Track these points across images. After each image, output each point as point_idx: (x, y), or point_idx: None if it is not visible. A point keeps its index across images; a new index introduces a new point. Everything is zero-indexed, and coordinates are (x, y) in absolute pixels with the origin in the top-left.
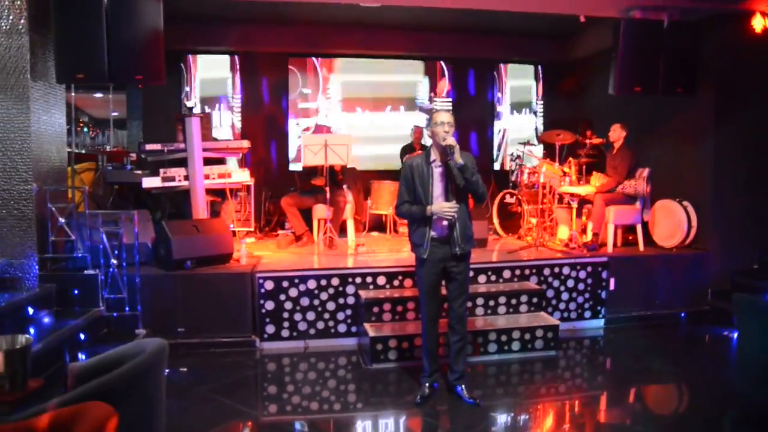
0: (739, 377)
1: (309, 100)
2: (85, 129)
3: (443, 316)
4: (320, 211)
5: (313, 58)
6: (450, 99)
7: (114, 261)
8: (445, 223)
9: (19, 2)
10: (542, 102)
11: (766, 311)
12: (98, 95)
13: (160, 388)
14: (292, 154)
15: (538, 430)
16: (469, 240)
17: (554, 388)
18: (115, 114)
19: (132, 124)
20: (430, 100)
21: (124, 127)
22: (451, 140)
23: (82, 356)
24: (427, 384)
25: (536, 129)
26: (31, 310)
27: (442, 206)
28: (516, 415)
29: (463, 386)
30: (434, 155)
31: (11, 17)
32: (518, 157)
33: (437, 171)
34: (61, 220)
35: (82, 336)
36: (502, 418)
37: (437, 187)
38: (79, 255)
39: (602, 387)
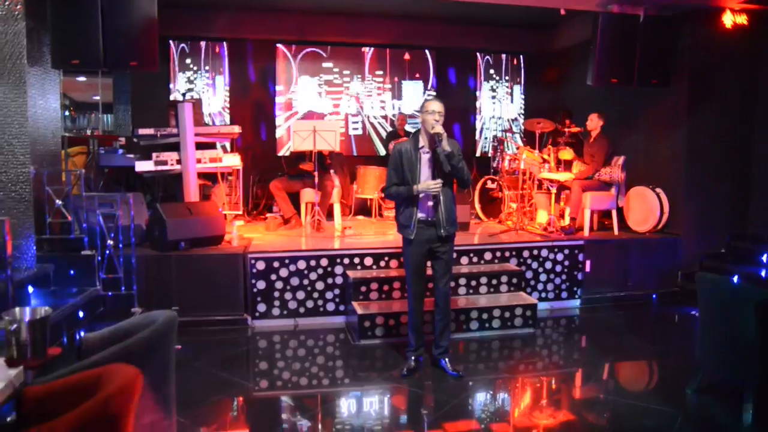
0: (700, 350)
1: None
2: (66, 112)
3: (428, 295)
4: (308, 194)
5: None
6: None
7: (110, 242)
8: (430, 203)
9: None
10: (523, 91)
11: (725, 289)
12: (81, 79)
13: (171, 354)
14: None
15: (516, 400)
16: (453, 223)
17: (532, 362)
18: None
19: (118, 108)
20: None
21: (108, 111)
22: (439, 128)
23: (81, 333)
24: (412, 358)
25: (517, 117)
26: (31, 289)
27: (427, 183)
28: (496, 386)
29: (446, 359)
30: (423, 141)
31: (7, 3)
32: (500, 142)
33: (425, 157)
34: (58, 202)
35: (80, 314)
36: (482, 390)
37: (424, 172)
38: (76, 236)
39: (577, 361)
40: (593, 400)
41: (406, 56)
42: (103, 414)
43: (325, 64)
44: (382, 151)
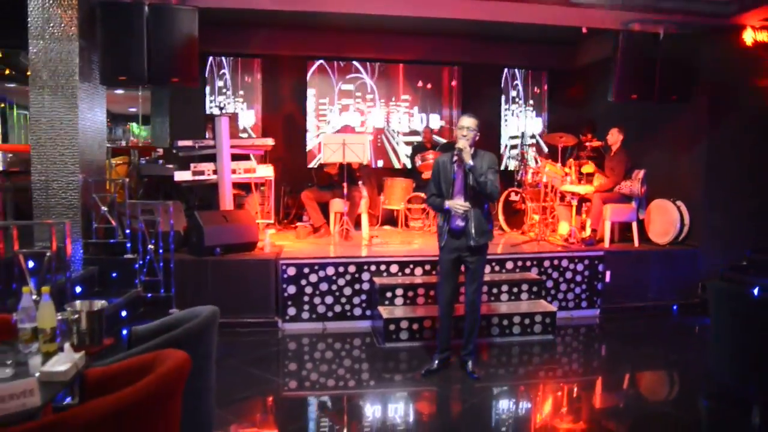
0: (712, 359)
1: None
2: None
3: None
4: (337, 204)
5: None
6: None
7: (151, 247)
8: (461, 216)
9: (70, 12)
10: (546, 106)
11: (736, 299)
12: (119, 92)
13: (213, 345)
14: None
15: (533, 403)
16: (484, 234)
17: (550, 368)
18: (133, 110)
19: (156, 120)
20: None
21: (145, 123)
22: (460, 144)
23: (123, 331)
24: (436, 360)
25: (541, 131)
26: (78, 289)
27: (455, 203)
28: (513, 389)
29: (470, 362)
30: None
31: (63, 25)
32: (523, 158)
33: (458, 168)
34: (104, 208)
35: (123, 313)
36: (500, 392)
37: (457, 184)
38: (119, 241)
39: (594, 367)
40: (610, 405)
41: (436, 71)
42: (156, 391)
43: (353, 77)
44: (396, 164)
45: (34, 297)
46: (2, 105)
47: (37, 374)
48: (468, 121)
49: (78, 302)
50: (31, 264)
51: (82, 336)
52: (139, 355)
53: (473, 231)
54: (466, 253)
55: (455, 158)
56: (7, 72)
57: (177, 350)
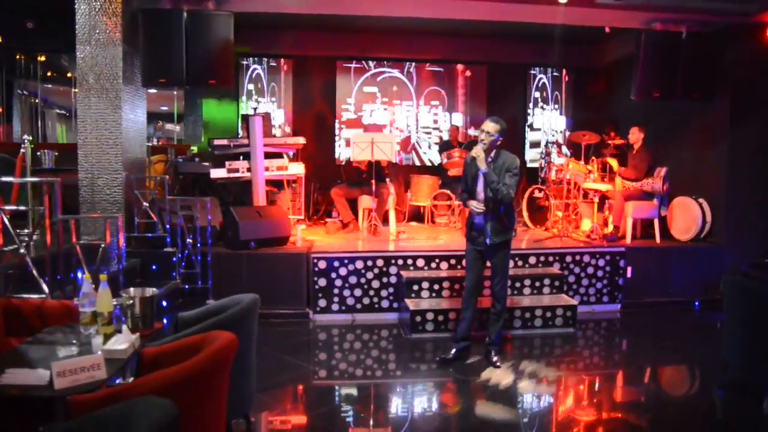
0: (726, 350)
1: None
2: None
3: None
4: (366, 201)
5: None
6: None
7: (189, 241)
8: (479, 217)
9: (114, 19)
10: (571, 104)
11: (750, 292)
12: (152, 91)
13: (254, 329)
14: (337, 150)
15: (555, 393)
16: (499, 234)
17: (571, 359)
18: (164, 108)
19: (188, 119)
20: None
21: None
22: (474, 151)
23: (164, 320)
24: (453, 349)
25: (564, 129)
26: (122, 280)
27: (472, 203)
28: (536, 380)
29: (492, 351)
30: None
31: (108, 31)
32: (548, 154)
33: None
34: (145, 204)
35: (164, 303)
36: (522, 382)
37: (479, 183)
38: (159, 235)
39: (615, 359)
40: (628, 394)
41: (461, 70)
42: (209, 365)
43: (380, 79)
44: (425, 162)
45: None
46: (38, 102)
47: (100, 352)
48: (489, 126)
49: (132, 289)
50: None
51: (135, 320)
52: (188, 337)
53: (489, 230)
54: (485, 249)
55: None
56: (48, 74)
57: (224, 332)
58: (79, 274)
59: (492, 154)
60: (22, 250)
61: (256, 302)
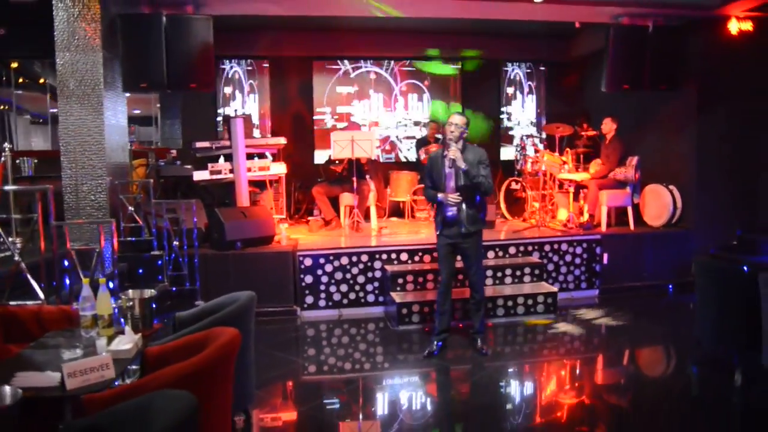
0: (698, 329)
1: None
2: None
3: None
4: (347, 198)
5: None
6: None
7: (176, 243)
8: (453, 207)
9: (93, 25)
10: (544, 97)
11: (718, 272)
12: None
13: (252, 325)
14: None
15: (538, 377)
16: (476, 221)
17: (552, 342)
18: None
19: (165, 122)
20: None
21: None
22: (452, 153)
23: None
24: (434, 342)
25: (538, 122)
26: (111, 284)
27: (447, 196)
28: (520, 365)
29: (478, 339)
30: (447, 150)
31: (87, 37)
32: (522, 147)
33: (447, 163)
34: (130, 208)
35: (153, 305)
36: (507, 368)
37: (449, 178)
38: (146, 239)
39: (596, 342)
40: (608, 375)
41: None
42: (217, 358)
43: (357, 76)
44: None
45: None
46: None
47: (105, 353)
48: (457, 119)
49: (130, 291)
50: (66, 262)
51: (135, 321)
52: (190, 335)
53: (465, 220)
54: (460, 239)
55: (446, 153)
56: (21, 80)
57: (228, 328)
58: (67, 280)
59: (460, 146)
60: (16, 257)
61: (252, 299)
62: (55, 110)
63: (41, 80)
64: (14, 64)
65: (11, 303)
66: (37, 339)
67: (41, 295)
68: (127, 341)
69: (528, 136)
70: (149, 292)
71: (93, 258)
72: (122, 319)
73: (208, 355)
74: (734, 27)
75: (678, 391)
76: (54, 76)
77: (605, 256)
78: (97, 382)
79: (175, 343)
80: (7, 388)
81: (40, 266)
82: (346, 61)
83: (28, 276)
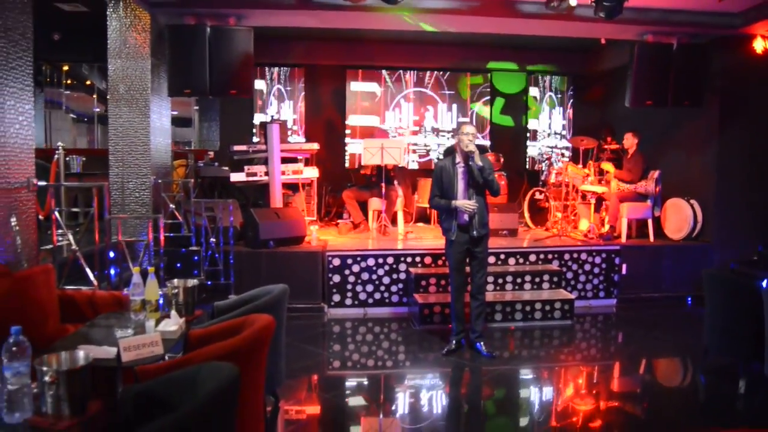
0: (708, 337)
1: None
2: None
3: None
4: (375, 203)
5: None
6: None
7: (213, 240)
8: (465, 216)
9: (143, 34)
10: (571, 110)
11: (726, 284)
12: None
13: (284, 315)
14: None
15: (553, 379)
16: (485, 226)
17: (568, 348)
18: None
19: (203, 125)
20: None
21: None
22: (472, 147)
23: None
24: (454, 341)
25: (564, 134)
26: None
27: (465, 203)
28: (536, 366)
29: (481, 343)
30: (459, 158)
31: (137, 46)
32: (548, 157)
33: (461, 170)
34: (171, 206)
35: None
36: (523, 369)
37: (460, 184)
38: (185, 235)
39: (610, 350)
40: (621, 380)
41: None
42: (254, 340)
43: (388, 85)
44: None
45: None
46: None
47: (153, 333)
48: (473, 129)
49: (175, 280)
50: (112, 253)
51: (179, 307)
52: (228, 320)
53: (477, 223)
54: (471, 244)
55: (458, 161)
56: (69, 82)
57: (263, 315)
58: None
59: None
60: (74, 246)
61: (285, 291)
62: (98, 110)
63: (87, 82)
64: (65, 67)
65: (67, 288)
66: (91, 320)
67: (94, 281)
68: (173, 324)
69: (553, 147)
70: (192, 282)
71: (141, 249)
72: (167, 307)
73: (246, 336)
74: (759, 45)
75: (686, 397)
76: (99, 78)
77: (624, 267)
78: (148, 357)
79: (215, 327)
80: (81, 353)
81: (93, 255)
82: (380, 71)
83: (83, 263)
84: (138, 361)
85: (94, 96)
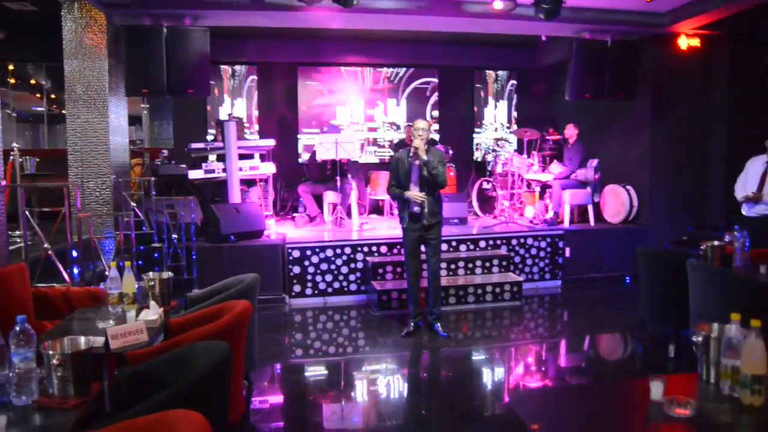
0: (640, 309)
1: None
2: None
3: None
4: (330, 196)
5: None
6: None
7: (175, 236)
8: (416, 206)
9: (100, 35)
10: (515, 103)
11: (654, 260)
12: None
13: (256, 302)
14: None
15: (504, 356)
16: (436, 215)
17: (517, 327)
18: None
19: (154, 124)
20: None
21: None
22: (417, 142)
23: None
24: (412, 323)
25: (509, 126)
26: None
27: (414, 194)
28: (488, 345)
29: (438, 324)
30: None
31: (93, 46)
32: (494, 150)
33: (414, 163)
34: (132, 204)
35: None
36: (477, 348)
37: (413, 177)
38: (146, 232)
39: (556, 326)
40: (568, 352)
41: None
42: (236, 323)
43: (340, 81)
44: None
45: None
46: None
47: (136, 321)
48: (422, 123)
49: (151, 273)
50: (74, 253)
51: (155, 298)
52: (205, 308)
53: (427, 213)
54: (423, 231)
55: (411, 154)
56: (13, 81)
57: (242, 301)
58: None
59: (425, 148)
60: (45, 245)
61: (257, 280)
62: (40, 108)
63: (32, 81)
64: (11, 67)
65: (39, 285)
66: (68, 315)
67: (67, 278)
68: (153, 313)
69: (499, 140)
70: (168, 274)
71: (107, 246)
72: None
73: (230, 318)
74: (684, 43)
75: (625, 363)
76: (45, 78)
77: (567, 250)
78: (133, 344)
79: (194, 314)
80: (82, 338)
81: (64, 253)
82: (329, 68)
83: (56, 261)
84: (125, 347)
85: (38, 95)
